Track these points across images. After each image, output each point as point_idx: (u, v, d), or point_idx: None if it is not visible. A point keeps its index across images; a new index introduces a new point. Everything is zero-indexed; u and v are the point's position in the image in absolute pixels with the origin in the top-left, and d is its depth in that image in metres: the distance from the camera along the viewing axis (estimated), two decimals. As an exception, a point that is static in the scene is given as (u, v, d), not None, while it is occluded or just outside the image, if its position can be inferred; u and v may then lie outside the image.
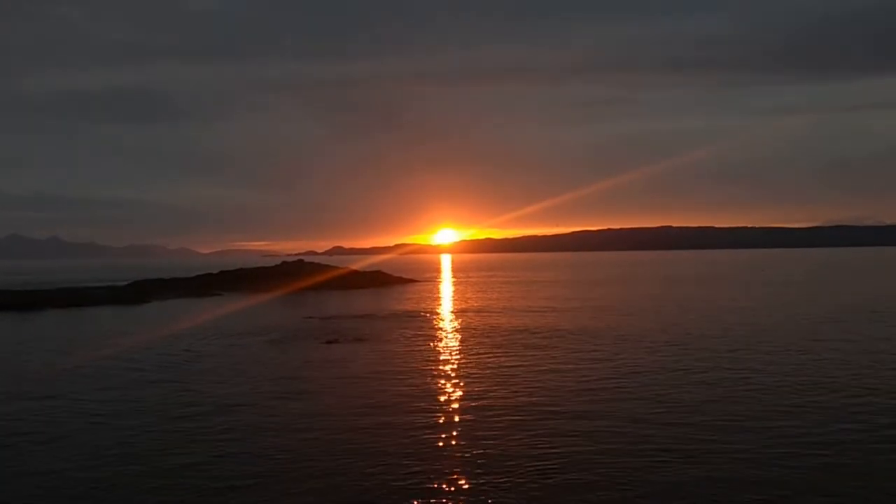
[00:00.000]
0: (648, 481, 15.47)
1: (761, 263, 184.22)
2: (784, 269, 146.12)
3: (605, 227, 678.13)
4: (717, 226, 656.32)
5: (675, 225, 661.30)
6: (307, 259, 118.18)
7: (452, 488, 15.39)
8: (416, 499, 14.73)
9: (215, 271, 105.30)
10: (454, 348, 36.91)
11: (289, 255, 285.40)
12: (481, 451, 17.87)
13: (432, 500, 14.65)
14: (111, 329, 48.31)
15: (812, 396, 23.25)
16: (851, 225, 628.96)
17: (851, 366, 28.78)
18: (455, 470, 16.57)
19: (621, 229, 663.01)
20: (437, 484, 15.65)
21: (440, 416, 21.87)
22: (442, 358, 33.65)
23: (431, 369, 30.39)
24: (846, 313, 49.88)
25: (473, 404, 23.29)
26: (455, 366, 31.22)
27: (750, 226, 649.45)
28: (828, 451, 17.30)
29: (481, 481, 15.67)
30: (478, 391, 25.39)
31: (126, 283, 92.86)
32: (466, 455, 17.69)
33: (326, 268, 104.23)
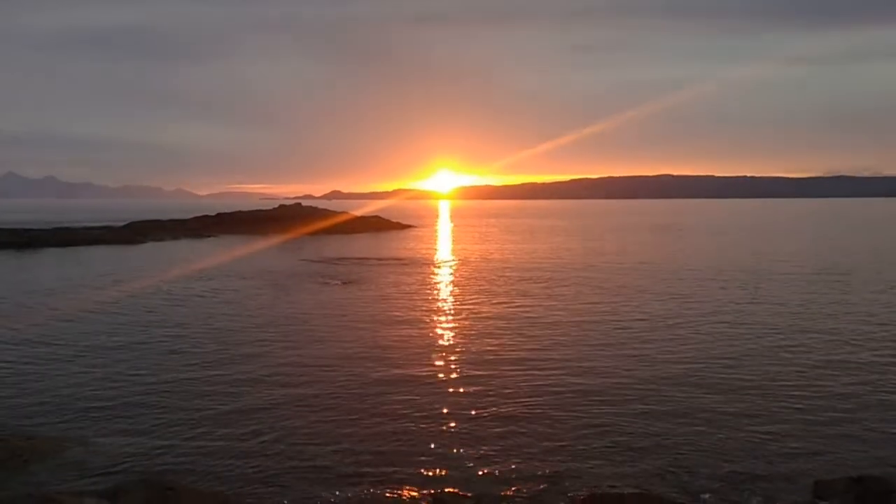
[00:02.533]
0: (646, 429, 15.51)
1: (754, 214, 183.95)
2: (767, 219, 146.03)
3: (604, 175, 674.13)
4: (716, 174, 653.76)
5: (674, 173, 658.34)
6: (305, 203, 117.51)
7: (448, 440, 15.42)
8: (418, 449, 14.77)
9: (212, 213, 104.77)
10: (451, 293, 36.88)
11: (287, 198, 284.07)
12: (476, 393, 17.93)
13: (432, 446, 14.70)
14: (108, 270, 48.13)
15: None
16: (851, 175, 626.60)
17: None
18: (454, 417, 16.61)
19: (620, 177, 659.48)
20: (436, 434, 15.68)
21: (438, 362, 21.90)
22: (439, 303, 33.64)
23: (430, 313, 30.38)
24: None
25: (473, 349, 23.34)
26: (452, 311, 31.21)
27: (750, 175, 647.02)
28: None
29: (477, 429, 15.72)
30: (473, 335, 25.43)
31: (122, 223, 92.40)
32: (465, 400, 17.72)
33: (325, 212, 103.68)
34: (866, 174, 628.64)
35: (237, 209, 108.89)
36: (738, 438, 14.79)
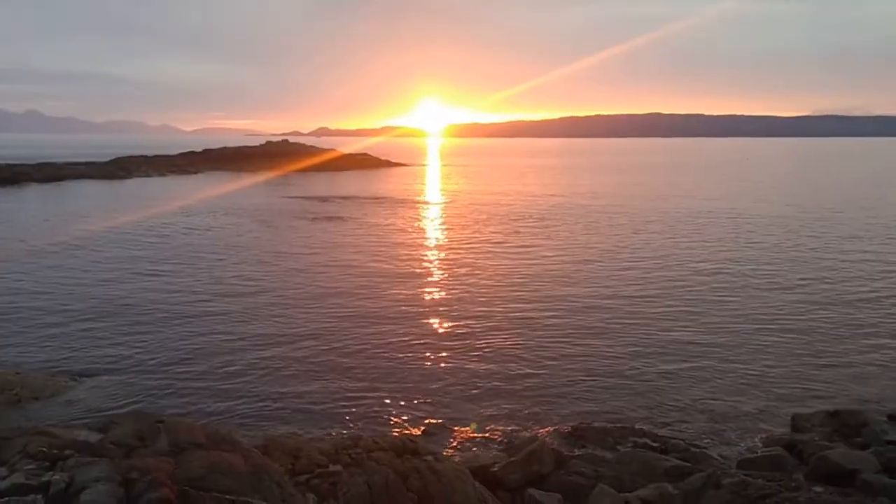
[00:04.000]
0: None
1: (737, 152, 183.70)
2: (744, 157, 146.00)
3: (593, 113, 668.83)
4: (706, 113, 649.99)
5: (664, 112, 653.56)
6: (292, 140, 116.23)
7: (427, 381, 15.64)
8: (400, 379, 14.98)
9: (198, 149, 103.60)
10: (436, 231, 36.92)
11: (273, 135, 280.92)
12: (461, 330, 18.14)
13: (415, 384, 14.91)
14: (93, 205, 47.75)
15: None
16: (841, 115, 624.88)
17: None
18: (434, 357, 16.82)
19: (609, 115, 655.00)
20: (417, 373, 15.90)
21: (422, 298, 22.08)
22: (423, 240, 33.71)
23: (415, 250, 30.45)
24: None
25: (455, 285, 23.50)
26: (435, 248, 31.30)
27: (739, 114, 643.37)
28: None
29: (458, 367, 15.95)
30: (455, 272, 25.58)
31: (107, 159, 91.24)
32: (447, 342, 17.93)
33: (312, 149, 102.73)
34: (856, 113, 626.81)
35: (224, 145, 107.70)
36: (719, 373, 15.09)
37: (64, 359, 15.95)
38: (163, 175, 78.57)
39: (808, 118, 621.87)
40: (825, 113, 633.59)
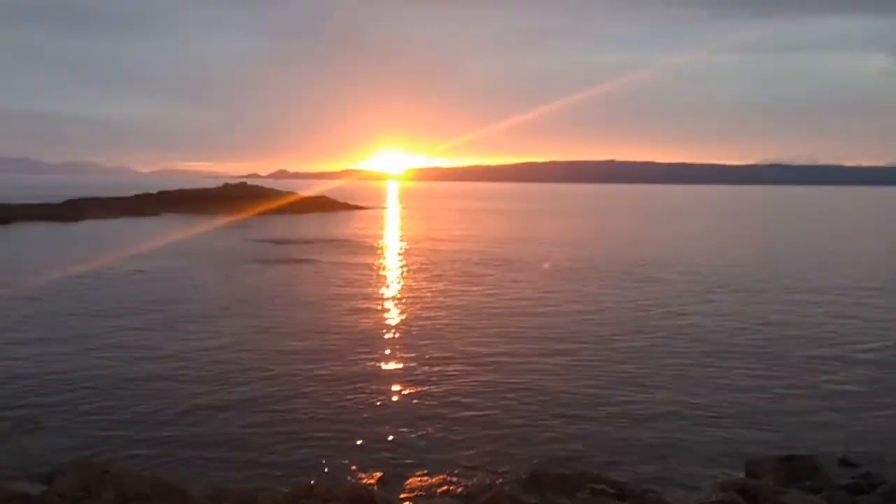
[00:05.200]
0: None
1: (685, 200, 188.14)
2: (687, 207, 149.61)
3: (550, 159, 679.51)
4: (658, 161, 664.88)
5: (618, 159, 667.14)
6: (251, 182, 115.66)
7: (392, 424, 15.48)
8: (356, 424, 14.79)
9: (154, 191, 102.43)
10: (396, 275, 36.89)
11: (231, 177, 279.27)
12: (419, 376, 18.03)
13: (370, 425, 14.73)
14: (45, 248, 46.73)
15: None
16: (786, 164, 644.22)
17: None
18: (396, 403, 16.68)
19: (566, 162, 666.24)
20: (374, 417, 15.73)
21: (379, 344, 21.93)
22: (383, 284, 33.63)
23: (374, 295, 30.34)
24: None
25: (413, 331, 23.42)
26: (395, 293, 31.24)
27: (691, 162, 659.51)
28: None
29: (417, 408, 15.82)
30: (418, 316, 25.52)
31: (61, 200, 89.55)
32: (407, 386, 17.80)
33: (271, 192, 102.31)
34: (801, 162, 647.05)
35: (180, 187, 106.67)
36: (675, 413, 15.22)
37: (7, 408, 15.40)
38: (117, 217, 77.34)
39: (755, 166, 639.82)
40: (772, 162, 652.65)
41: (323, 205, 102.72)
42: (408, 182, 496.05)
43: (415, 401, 16.14)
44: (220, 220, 74.29)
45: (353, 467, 12.62)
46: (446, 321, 24.72)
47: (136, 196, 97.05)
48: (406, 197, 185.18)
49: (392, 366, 19.15)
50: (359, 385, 17.14)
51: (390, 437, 13.95)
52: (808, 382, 17.87)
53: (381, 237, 60.45)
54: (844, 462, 12.80)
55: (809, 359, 20.11)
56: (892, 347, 21.49)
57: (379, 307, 27.56)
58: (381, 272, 37.80)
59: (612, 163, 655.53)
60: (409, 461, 12.87)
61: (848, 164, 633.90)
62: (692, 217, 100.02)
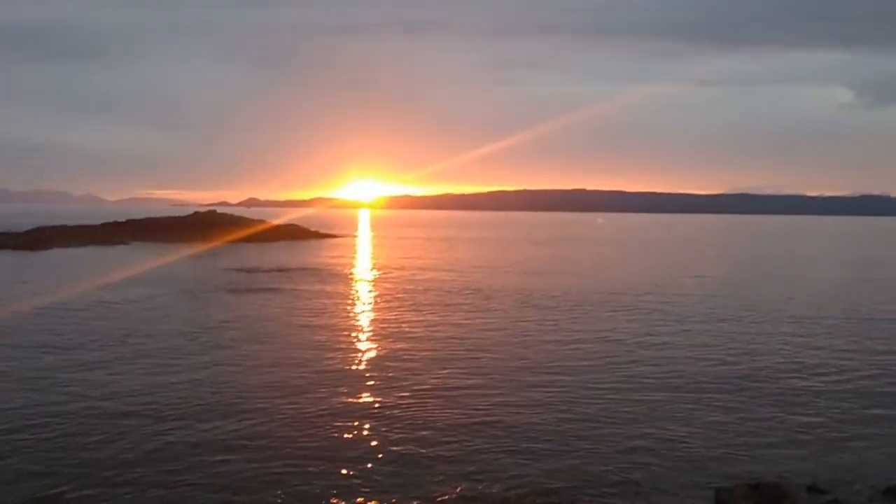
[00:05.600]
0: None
1: (651, 228, 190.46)
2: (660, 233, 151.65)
3: (520, 188, 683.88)
4: (628, 190, 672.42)
5: (588, 188, 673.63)
6: (220, 210, 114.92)
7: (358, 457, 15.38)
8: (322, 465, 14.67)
9: (122, 219, 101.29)
10: (366, 304, 36.78)
11: (201, 205, 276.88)
12: (389, 408, 17.95)
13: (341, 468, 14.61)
14: (9, 278, 45.91)
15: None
16: (753, 193, 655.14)
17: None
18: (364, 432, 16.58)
19: (537, 190, 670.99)
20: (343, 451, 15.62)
21: (350, 377, 21.81)
22: (353, 313, 33.50)
23: (344, 324, 30.22)
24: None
25: (383, 360, 23.33)
26: (365, 322, 31.14)
27: (659, 191, 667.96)
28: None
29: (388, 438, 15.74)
30: (389, 348, 25.43)
31: (26, 228, 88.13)
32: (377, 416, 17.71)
33: (241, 220, 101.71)
34: (768, 192, 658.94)
35: (149, 215, 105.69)
36: (642, 449, 15.29)
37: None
38: (84, 246, 76.25)
39: (723, 196, 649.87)
40: (739, 191, 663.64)
41: (294, 233, 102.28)
42: (380, 210, 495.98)
43: (386, 437, 16.03)
44: (190, 249, 73.57)
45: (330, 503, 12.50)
46: (417, 352, 24.65)
47: (104, 224, 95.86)
48: (378, 225, 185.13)
49: (362, 400, 19.03)
50: (329, 421, 17.01)
51: (361, 475, 13.84)
52: (777, 412, 18.10)
53: (351, 266, 60.28)
54: (813, 489, 12.98)
55: (779, 388, 20.37)
56: (859, 378, 21.86)
57: (348, 337, 27.43)
58: (351, 301, 37.68)
59: (582, 191, 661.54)
60: (383, 497, 12.78)
61: (812, 193, 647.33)
62: (663, 245, 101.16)
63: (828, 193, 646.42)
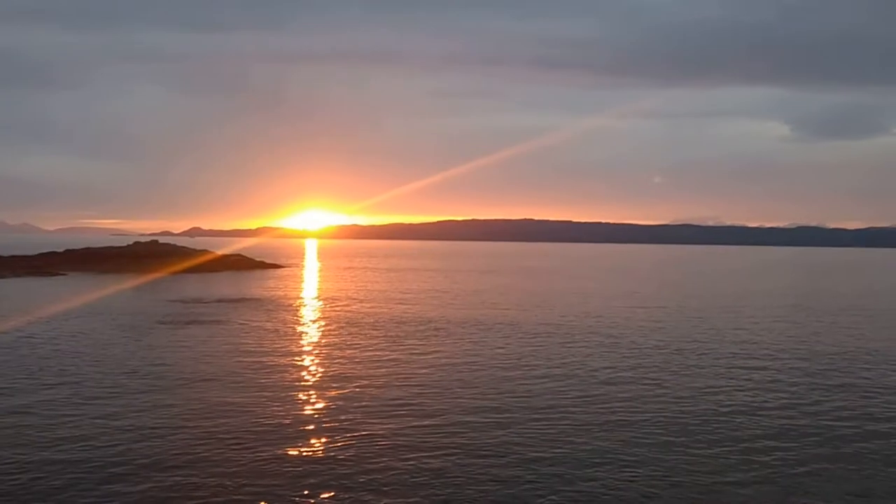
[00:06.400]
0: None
1: (598, 257, 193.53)
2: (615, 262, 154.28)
3: (469, 218, 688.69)
4: (574, 220, 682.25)
5: (535, 218, 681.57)
6: (163, 240, 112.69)
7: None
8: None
9: (60, 249, 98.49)
10: (311, 336, 36.24)
11: (143, 234, 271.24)
12: (336, 436, 17.60)
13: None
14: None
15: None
16: (696, 224, 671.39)
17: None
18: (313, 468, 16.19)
19: (484, 220, 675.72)
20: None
21: (292, 402, 21.37)
22: (298, 346, 32.95)
23: (288, 354, 29.65)
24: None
25: (328, 389, 22.92)
26: (311, 359, 30.64)
27: (604, 221, 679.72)
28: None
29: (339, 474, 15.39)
30: (334, 386, 25.00)
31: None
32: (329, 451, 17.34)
33: (183, 250, 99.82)
34: (710, 223, 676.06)
35: (88, 245, 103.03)
36: (613, 479, 15.24)
37: None
38: (20, 277, 73.72)
39: (666, 226, 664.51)
40: (682, 222, 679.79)
41: (239, 263, 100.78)
42: (327, 240, 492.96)
43: (333, 482, 15.68)
44: (130, 280, 71.69)
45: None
46: (363, 387, 24.25)
47: (41, 254, 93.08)
48: (325, 255, 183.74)
49: (305, 449, 18.62)
50: (274, 469, 16.56)
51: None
52: (725, 437, 18.31)
53: (297, 297, 59.51)
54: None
55: (727, 415, 20.66)
56: (810, 404, 22.31)
57: (292, 375, 26.83)
58: (296, 334, 37.07)
59: (529, 221, 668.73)
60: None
61: (751, 224, 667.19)
62: (613, 274, 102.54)
63: (767, 224, 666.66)
